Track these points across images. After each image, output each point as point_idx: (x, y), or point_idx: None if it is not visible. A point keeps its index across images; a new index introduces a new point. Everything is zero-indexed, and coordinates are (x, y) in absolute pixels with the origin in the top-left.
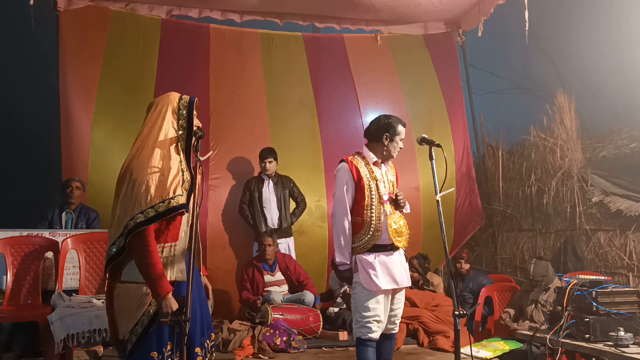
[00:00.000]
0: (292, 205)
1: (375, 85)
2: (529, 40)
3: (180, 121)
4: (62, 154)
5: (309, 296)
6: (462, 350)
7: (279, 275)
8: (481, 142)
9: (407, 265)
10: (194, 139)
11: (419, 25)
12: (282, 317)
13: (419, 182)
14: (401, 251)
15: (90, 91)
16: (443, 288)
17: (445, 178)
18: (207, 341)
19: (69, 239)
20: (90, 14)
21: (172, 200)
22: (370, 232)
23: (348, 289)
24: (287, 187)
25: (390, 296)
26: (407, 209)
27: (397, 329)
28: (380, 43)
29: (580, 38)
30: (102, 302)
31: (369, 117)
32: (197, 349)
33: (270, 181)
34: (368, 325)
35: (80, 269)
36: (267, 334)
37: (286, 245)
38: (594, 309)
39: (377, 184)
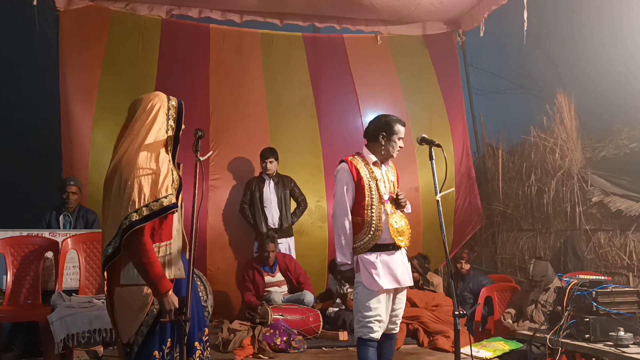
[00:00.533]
0: (293, 205)
1: (375, 85)
2: (529, 40)
3: (169, 122)
4: (62, 154)
5: (308, 296)
6: (462, 350)
7: (279, 276)
8: (481, 142)
9: (409, 265)
10: (194, 139)
11: (419, 25)
12: (282, 317)
13: (418, 183)
14: (403, 251)
15: (90, 92)
16: (443, 288)
17: (445, 178)
18: (203, 336)
19: (69, 239)
20: (90, 14)
21: (164, 199)
22: (371, 232)
23: (349, 290)
24: (288, 187)
25: (391, 296)
26: (408, 208)
27: (397, 329)
28: (380, 43)
29: (580, 38)
30: (102, 302)
31: (368, 118)
32: (196, 343)
33: (271, 181)
34: (369, 325)
35: (80, 269)
36: (267, 334)
37: (287, 245)
38: (594, 309)
39: (377, 184)
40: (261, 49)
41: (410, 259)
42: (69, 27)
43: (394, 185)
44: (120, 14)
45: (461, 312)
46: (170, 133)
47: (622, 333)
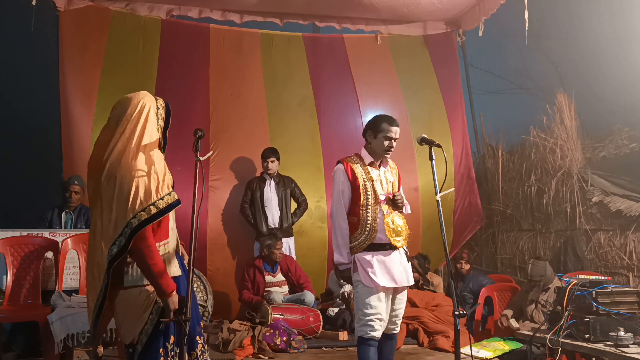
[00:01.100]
0: (293, 205)
1: (375, 85)
2: (529, 40)
3: (158, 121)
4: (62, 155)
5: (309, 296)
6: (462, 350)
7: (279, 276)
8: (481, 142)
9: (408, 265)
10: (194, 139)
11: (419, 25)
12: (282, 317)
13: (418, 183)
14: (401, 251)
15: (90, 92)
16: (443, 288)
17: (445, 178)
18: (201, 329)
19: (69, 239)
20: (91, 14)
21: (168, 197)
22: (366, 232)
23: (349, 290)
24: (288, 187)
25: (390, 295)
26: (407, 209)
27: (398, 329)
28: (380, 43)
29: (580, 38)
30: None
31: (368, 117)
32: (197, 337)
33: (272, 181)
34: (370, 323)
35: (80, 269)
36: (267, 334)
37: (287, 245)
38: (594, 309)
39: (372, 184)
40: (261, 49)
41: (410, 259)
42: (69, 27)
43: (393, 185)
44: (120, 14)
45: (461, 312)
46: (159, 133)
47: (622, 333)
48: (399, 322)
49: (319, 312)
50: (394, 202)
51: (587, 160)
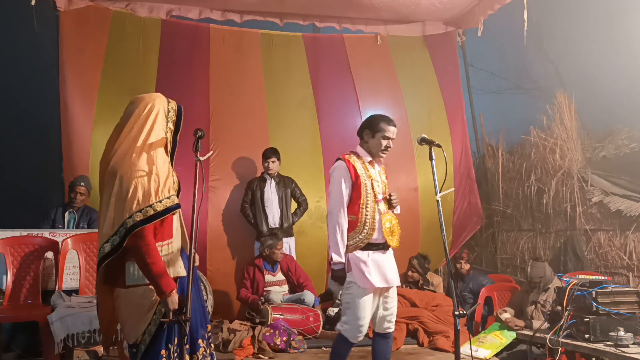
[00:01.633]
0: (294, 205)
1: (375, 85)
2: (529, 40)
3: (168, 124)
4: (62, 155)
5: (309, 296)
6: (461, 349)
7: (279, 276)
8: (481, 142)
9: (396, 265)
10: (194, 139)
11: (419, 25)
12: (282, 317)
13: (417, 183)
14: (391, 250)
15: (90, 92)
16: (443, 288)
17: (445, 178)
18: (206, 333)
19: (69, 239)
20: (90, 14)
21: (167, 200)
22: (365, 231)
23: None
24: (289, 187)
25: (378, 296)
26: (398, 209)
27: (392, 327)
28: (380, 43)
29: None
30: None
31: None
32: (200, 341)
33: (273, 181)
34: (361, 329)
35: (80, 269)
36: (267, 334)
37: (287, 245)
38: (594, 309)
39: (372, 183)
40: (261, 49)
41: (410, 259)
42: (69, 27)
43: (385, 185)
44: (120, 14)
45: (461, 312)
46: (168, 135)
47: (622, 333)
48: (393, 319)
49: (319, 312)
50: (389, 202)
51: (587, 160)
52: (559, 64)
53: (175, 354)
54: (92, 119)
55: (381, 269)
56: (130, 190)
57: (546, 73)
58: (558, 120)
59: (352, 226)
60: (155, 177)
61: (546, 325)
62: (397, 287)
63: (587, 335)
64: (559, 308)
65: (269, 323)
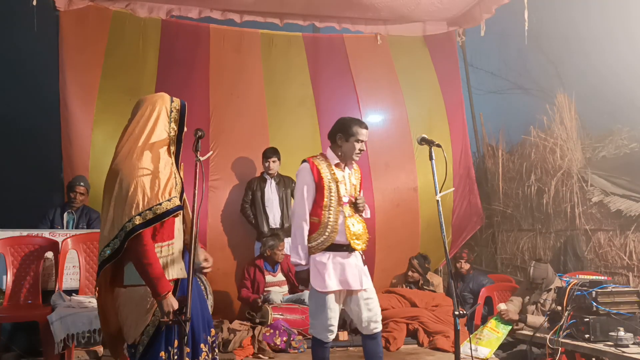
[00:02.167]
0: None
1: (375, 85)
2: (529, 40)
3: (171, 124)
4: (62, 155)
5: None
6: (462, 349)
7: (280, 276)
8: (481, 142)
9: (365, 269)
10: (194, 139)
11: (419, 25)
12: (282, 317)
13: (417, 183)
14: (357, 254)
15: (90, 92)
16: (443, 288)
17: (445, 178)
18: (209, 337)
19: (69, 239)
20: (90, 14)
21: (168, 203)
22: (326, 233)
23: None
24: (289, 187)
25: (346, 297)
26: (367, 213)
27: (380, 326)
28: (380, 43)
29: (580, 38)
30: None
31: (369, 118)
32: (202, 345)
33: (273, 181)
34: (331, 328)
35: (80, 269)
36: (267, 334)
37: (287, 245)
38: (594, 309)
39: (337, 186)
40: (261, 48)
41: (410, 259)
42: (69, 27)
43: (355, 188)
44: (120, 14)
45: (461, 312)
46: (172, 135)
47: (622, 333)
48: (379, 319)
49: None
50: (355, 206)
51: (587, 160)
52: (559, 64)
53: (175, 357)
54: (92, 119)
55: (343, 271)
56: (130, 193)
57: (546, 73)
58: (558, 120)
59: (314, 228)
60: (155, 179)
61: (546, 325)
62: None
63: (587, 335)
64: (559, 308)
65: (269, 323)
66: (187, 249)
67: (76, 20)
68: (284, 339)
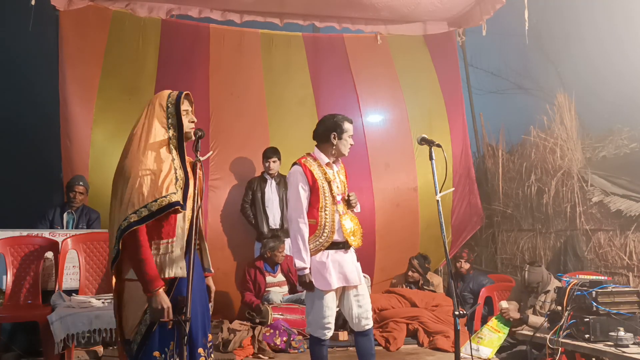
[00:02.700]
0: None
1: (375, 85)
2: (529, 40)
3: (169, 120)
4: (61, 155)
5: None
6: (461, 349)
7: (280, 277)
8: (481, 142)
9: (359, 265)
10: (194, 138)
11: (419, 25)
12: (282, 317)
13: (417, 183)
14: (352, 250)
15: (90, 91)
16: (443, 288)
17: (445, 178)
18: (207, 341)
19: (69, 239)
20: (90, 14)
21: (164, 199)
22: (325, 234)
23: None
24: None
25: (342, 294)
26: (358, 208)
27: (370, 323)
28: (380, 43)
29: (581, 38)
30: (102, 302)
31: (369, 117)
32: (200, 349)
33: (273, 181)
34: (328, 326)
35: (80, 269)
36: (267, 334)
37: (287, 245)
38: (594, 309)
39: (330, 185)
40: (261, 48)
41: (410, 259)
42: (68, 27)
43: (344, 185)
44: (120, 14)
45: (461, 312)
46: (172, 131)
47: (622, 333)
48: (370, 315)
49: None
50: (348, 202)
51: (587, 160)
52: (559, 64)
53: (172, 359)
54: (92, 119)
55: (342, 268)
56: (127, 192)
57: (546, 73)
58: (558, 120)
59: (312, 230)
60: (152, 176)
61: (546, 325)
62: (402, 288)
63: (587, 335)
64: (559, 308)
65: (269, 323)
66: (200, 248)
67: (76, 20)
68: (284, 339)
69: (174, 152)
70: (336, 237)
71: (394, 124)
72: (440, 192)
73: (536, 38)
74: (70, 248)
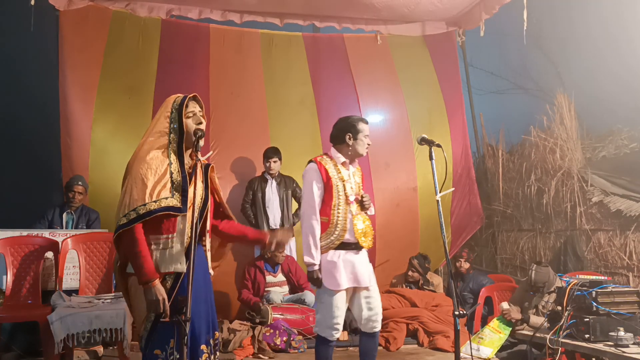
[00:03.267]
0: (294, 205)
1: (375, 85)
2: (528, 40)
3: (172, 124)
4: (61, 155)
5: (309, 296)
6: (462, 349)
7: (280, 277)
8: (481, 142)
9: (370, 267)
10: (194, 138)
11: (419, 25)
12: (282, 317)
13: (416, 183)
14: (364, 251)
15: (90, 91)
16: (443, 288)
17: (445, 178)
18: (212, 339)
19: (69, 239)
20: (90, 14)
21: (153, 204)
22: (336, 232)
23: None
24: (290, 188)
25: (353, 295)
26: (371, 210)
27: (379, 326)
28: (380, 43)
29: (580, 38)
30: (102, 302)
31: (369, 117)
32: (203, 346)
33: (274, 181)
34: (336, 327)
35: (80, 269)
36: (267, 334)
37: (288, 245)
38: (594, 309)
39: (344, 185)
40: (261, 48)
41: (410, 259)
42: (69, 27)
43: (359, 187)
44: (120, 14)
45: (461, 312)
46: (172, 135)
47: (622, 333)
48: (379, 318)
49: None
50: (362, 203)
51: (587, 160)
52: (559, 64)
53: (172, 357)
54: (92, 119)
55: (353, 269)
56: (121, 194)
57: (546, 73)
58: (558, 120)
59: (323, 228)
60: (144, 180)
61: (546, 325)
62: (402, 288)
63: (587, 335)
64: (559, 308)
65: (269, 323)
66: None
67: (76, 20)
68: (284, 339)
69: (172, 156)
70: (348, 237)
71: (394, 123)
72: (440, 192)
73: (536, 38)
74: (70, 248)
